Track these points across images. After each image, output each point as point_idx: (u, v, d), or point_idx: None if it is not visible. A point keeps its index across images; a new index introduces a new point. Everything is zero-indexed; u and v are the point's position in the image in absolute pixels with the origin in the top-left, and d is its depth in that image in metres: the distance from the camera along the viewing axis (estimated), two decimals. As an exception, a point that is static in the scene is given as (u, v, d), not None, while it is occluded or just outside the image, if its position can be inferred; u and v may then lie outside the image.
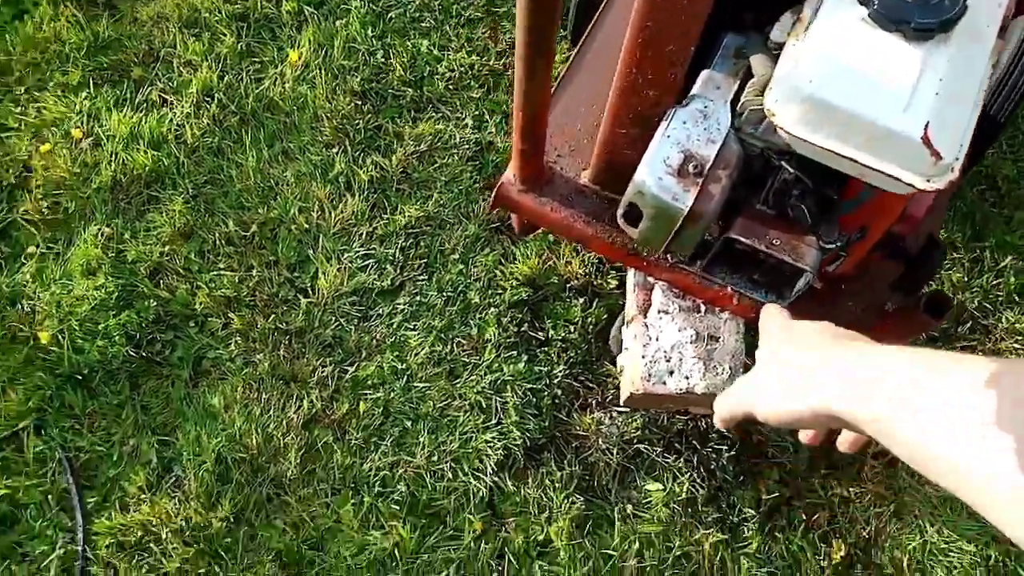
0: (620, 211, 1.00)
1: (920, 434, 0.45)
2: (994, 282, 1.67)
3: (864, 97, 0.78)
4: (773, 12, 0.93)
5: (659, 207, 0.92)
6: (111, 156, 1.72)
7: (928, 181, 0.79)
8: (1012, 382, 0.41)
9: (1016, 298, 1.66)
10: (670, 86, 1.00)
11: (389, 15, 1.87)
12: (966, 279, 1.67)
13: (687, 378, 1.24)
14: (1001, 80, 1.43)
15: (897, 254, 1.02)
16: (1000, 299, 1.66)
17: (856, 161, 0.80)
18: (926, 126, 0.77)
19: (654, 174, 0.91)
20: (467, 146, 1.74)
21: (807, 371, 0.56)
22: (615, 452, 1.54)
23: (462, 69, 1.82)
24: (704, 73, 0.97)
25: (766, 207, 0.94)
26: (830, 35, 0.81)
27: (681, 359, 1.25)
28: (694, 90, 0.96)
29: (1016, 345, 1.62)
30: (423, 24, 1.86)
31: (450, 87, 1.80)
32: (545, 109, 1.09)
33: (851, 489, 1.54)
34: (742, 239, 0.90)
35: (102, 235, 1.67)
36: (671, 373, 1.25)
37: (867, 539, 1.52)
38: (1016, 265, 1.69)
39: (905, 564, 1.50)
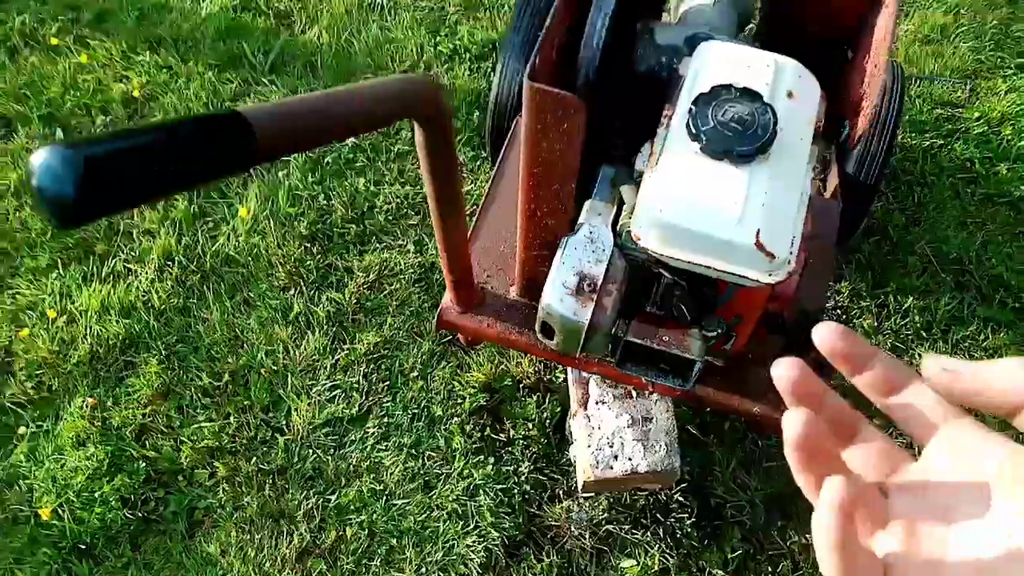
0: (537, 327, 1.15)
1: None
2: (901, 323, 1.83)
3: (705, 217, 0.95)
4: (635, 145, 1.12)
5: (565, 324, 1.07)
6: (86, 330, 1.86)
7: (770, 275, 0.95)
8: None
9: (924, 334, 1.83)
10: (564, 216, 1.17)
11: (326, 160, 2.07)
12: (876, 323, 1.84)
13: (630, 459, 1.37)
14: (862, 153, 1.64)
15: (777, 329, 1.17)
16: (910, 336, 1.82)
17: (711, 268, 0.96)
18: (757, 233, 0.94)
19: (556, 297, 1.07)
20: (412, 270, 1.91)
21: None
22: (588, 536, 1.64)
23: (398, 200, 2.00)
24: (587, 203, 1.14)
25: (656, 309, 1.09)
26: (673, 168, 0.99)
27: (623, 443, 1.38)
28: (580, 218, 1.13)
29: (934, 376, 1.77)
30: (357, 164, 2.06)
31: (390, 218, 1.98)
32: (465, 246, 1.26)
33: (807, 536, 1.65)
34: (636, 340, 1.05)
35: (87, 406, 1.78)
36: (616, 457, 1.38)
37: (834, 580, 1.62)
38: (918, 304, 1.86)
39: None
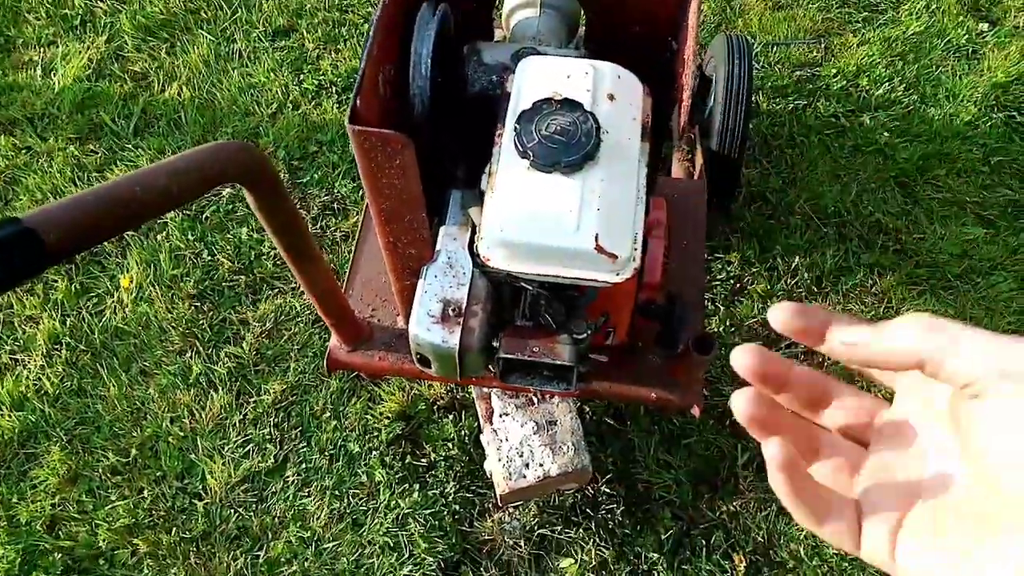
0: (414, 358, 1.15)
1: None
2: (792, 282, 1.91)
3: (544, 230, 0.97)
4: (479, 167, 1.13)
5: (436, 351, 1.08)
6: (-22, 431, 1.78)
7: (617, 275, 0.98)
8: None
9: (815, 289, 1.90)
10: (424, 243, 1.18)
11: (204, 215, 2.02)
12: (769, 287, 1.90)
13: (541, 465, 1.39)
14: (720, 128, 1.69)
15: (651, 316, 1.20)
16: (802, 294, 1.90)
17: (559, 276, 0.98)
18: (596, 237, 0.96)
19: (422, 327, 1.08)
20: (308, 311, 1.88)
21: None
22: (523, 544, 1.66)
23: (288, 244, 1.98)
24: (442, 229, 1.15)
25: (525, 320, 1.11)
26: (508, 186, 1.00)
27: (531, 451, 1.40)
28: (438, 245, 1.14)
29: (826, 328, 1.85)
30: (237, 214, 2.02)
31: (279, 263, 1.95)
32: (334, 289, 1.25)
33: (735, 503, 1.70)
34: (508, 355, 1.06)
35: (-12, 508, 1.71)
36: (527, 466, 1.40)
37: (763, 542, 1.67)
38: (805, 262, 1.93)
39: (803, 552, 1.66)
